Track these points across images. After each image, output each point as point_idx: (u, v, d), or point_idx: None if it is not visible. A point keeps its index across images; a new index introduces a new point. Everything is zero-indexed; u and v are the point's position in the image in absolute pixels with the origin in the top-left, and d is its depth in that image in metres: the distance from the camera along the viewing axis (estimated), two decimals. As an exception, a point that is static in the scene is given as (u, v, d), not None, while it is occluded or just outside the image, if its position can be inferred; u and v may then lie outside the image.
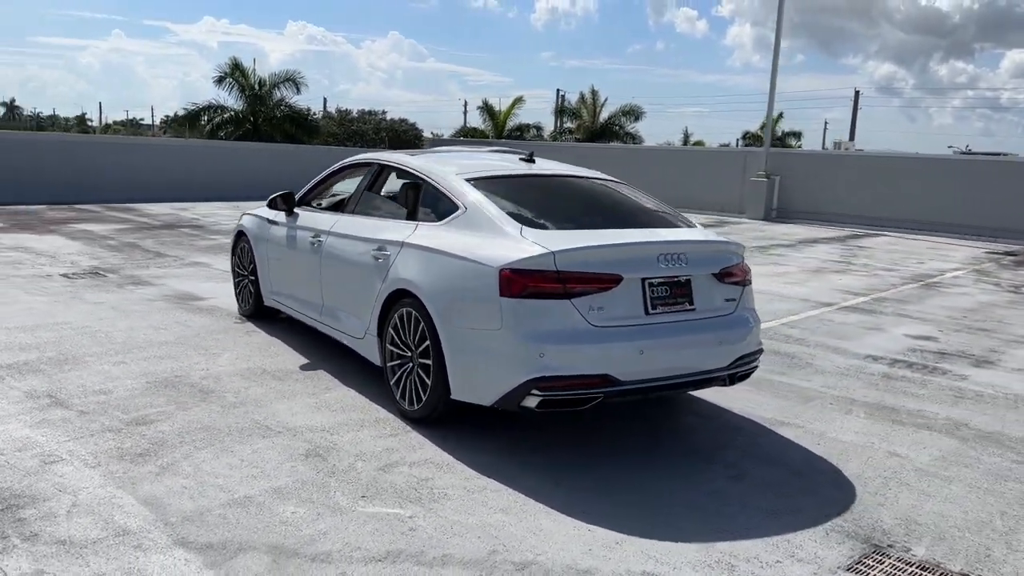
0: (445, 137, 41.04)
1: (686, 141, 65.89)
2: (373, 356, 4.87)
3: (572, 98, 47.80)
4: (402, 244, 4.58)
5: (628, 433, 4.62)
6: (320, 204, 6.15)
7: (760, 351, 4.63)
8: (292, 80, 35.98)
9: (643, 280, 4.07)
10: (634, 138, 44.63)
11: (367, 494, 3.58)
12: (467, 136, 44.83)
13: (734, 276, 4.45)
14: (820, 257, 12.94)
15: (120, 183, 17.26)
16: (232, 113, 35.03)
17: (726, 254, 4.48)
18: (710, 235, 4.64)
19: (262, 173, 18.46)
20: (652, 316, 4.09)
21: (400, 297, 4.51)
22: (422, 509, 3.47)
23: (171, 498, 3.44)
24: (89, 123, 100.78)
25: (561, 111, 49.62)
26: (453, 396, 4.17)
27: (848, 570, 3.22)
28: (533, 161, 5.15)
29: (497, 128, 42.71)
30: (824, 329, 7.53)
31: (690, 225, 4.80)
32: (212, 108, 35.08)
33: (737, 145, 58.80)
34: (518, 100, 43.92)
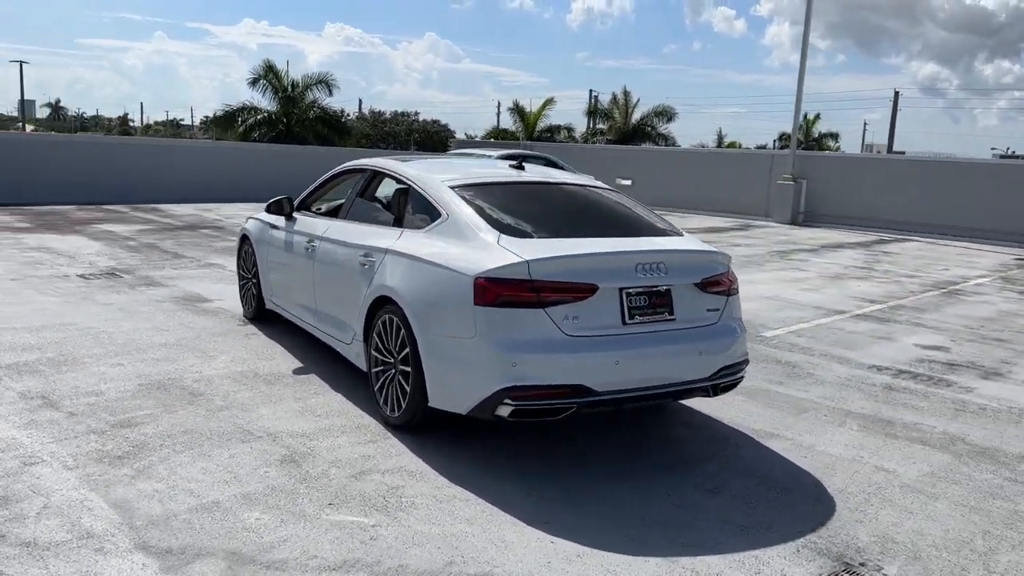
0: (477, 138, 41.21)
1: (720, 143, 65.28)
2: (360, 361, 4.89)
3: (605, 99, 47.65)
4: (386, 251, 4.60)
5: (611, 443, 4.59)
6: (319, 209, 6.19)
7: (745, 361, 4.57)
8: (324, 82, 36.24)
9: (620, 290, 4.04)
10: (667, 139, 44.40)
11: (335, 502, 3.60)
12: (497, 137, 44.96)
13: (718, 286, 4.40)
14: (842, 262, 12.74)
15: (148, 184, 17.57)
16: (265, 114, 35.48)
17: (709, 263, 4.43)
18: (694, 244, 4.59)
19: (288, 175, 18.66)
20: (629, 326, 4.05)
21: (384, 303, 4.53)
22: (387, 518, 3.48)
23: (141, 502, 3.49)
24: (131, 123, 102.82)
25: (593, 112, 49.51)
26: (430, 404, 4.18)
27: (811, 589, 3.16)
28: (523, 168, 5.13)
29: (527, 129, 42.72)
30: (832, 338, 7.41)
31: (677, 234, 4.75)
32: (246, 109, 35.59)
33: (774, 146, 58.15)
34: (548, 101, 43.85)
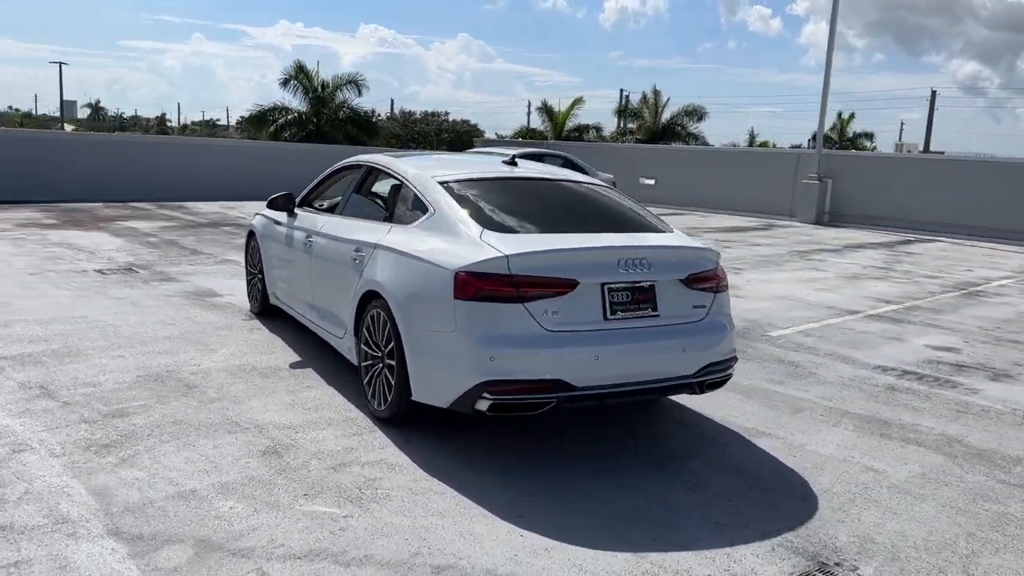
0: (506, 138, 41.27)
1: (751, 142, 64.63)
2: (352, 356, 4.93)
3: (637, 98, 47.44)
4: (375, 246, 4.63)
5: (597, 439, 4.57)
6: (321, 205, 6.25)
7: (733, 359, 4.53)
8: (354, 82, 36.49)
9: (603, 285, 4.03)
10: (697, 139, 44.08)
11: (310, 492, 3.64)
12: (525, 137, 44.96)
13: (704, 282, 4.36)
14: (862, 263, 12.55)
15: (176, 182, 17.85)
16: (296, 114, 35.84)
17: (696, 260, 4.39)
18: (680, 241, 4.56)
19: (315, 173, 18.72)
20: (611, 321, 4.04)
21: (372, 298, 4.56)
22: (359, 509, 3.51)
23: (120, 489, 3.56)
24: (168, 123, 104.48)
25: (622, 111, 49.30)
26: (413, 397, 4.20)
27: (778, 587, 3.13)
28: (516, 165, 5.14)
29: (556, 129, 42.70)
30: (840, 338, 7.30)
31: (667, 231, 4.72)
32: (277, 109, 35.99)
33: (808, 146, 57.44)
34: (577, 101, 43.79)
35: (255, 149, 22.49)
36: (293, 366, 5.57)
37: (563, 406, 3.99)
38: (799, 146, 57.07)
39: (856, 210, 18.50)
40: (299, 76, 35.74)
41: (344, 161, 6.06)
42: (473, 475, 3.96)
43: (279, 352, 5.90)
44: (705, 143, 43.78)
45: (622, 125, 49.71)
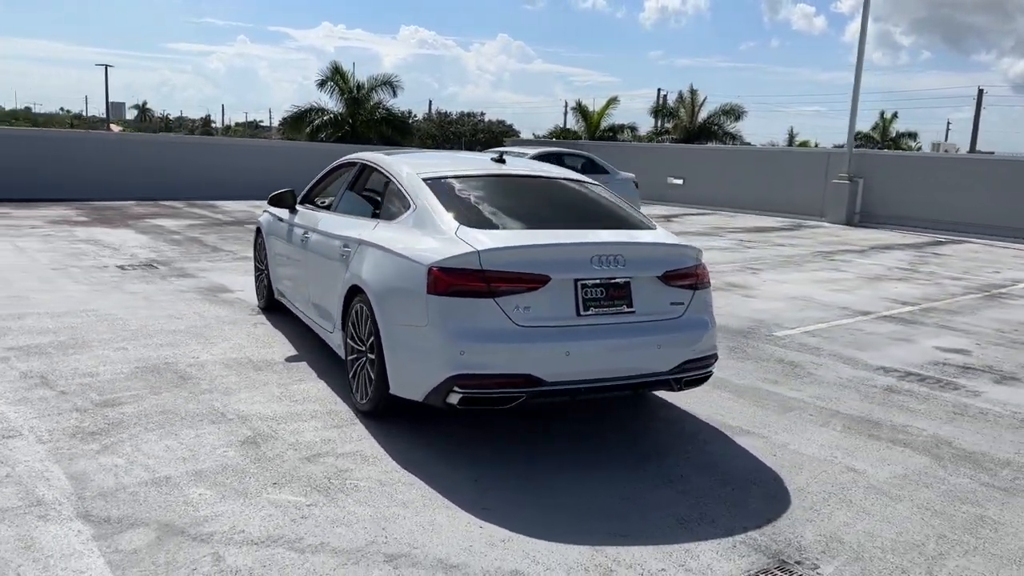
0: (542, 138, 41.23)
1: (791, 141, 63.74)
2: (341, 350, 5.02)
3: (675, 98, 47.08)
4: (360, 241, 4.71)
5: (578, 434, 4.59)
6: (323, 202, 6.36)
7: (714, 356, 4.51)
8: (389, 83, 36.78)
9: (576, 281, 4.05)
10: (735, 138, 43.62)
11: (279, 482, 3.72)
12: (559, 137, 44.94)
13: (683, 279, 4.35)
14: (886, 264, 12.33)
15: (209, 182, 18.21)
16: (331, 115, 36.23)
17: (675, 257, 4.39)
18: (658, 238, 4.55)
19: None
20: (584, 317, 4.06)
21: (356, 293, 4.64)
22: (325, 498, 3.58)
23: (98, 475, 3.68)
24: (213, 124, 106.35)
25: (658, 111, 49.00)
26: (391, 391, 4.26)
27: (729, 583, 3.13)
28: (503, 162, 5.17)
29: (590, 129, 42.59)
30: (847, 339, 7.21)
31: (649, 228, 4.72)
32: (314, 111, 36.44)
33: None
34: (612, 100, 43.57)
35: (288, 149, 22.84)
36: (289, 360, 5.67)
37: (534, 401, 4.02)
38: (841, 146, 56.02)
39: (888, 210, 18.16)
40: (335, 77, 36.16)
41: (341, 159, 6.16)
42: (446, 468, 4.01)
43: (277, 346, 6.02)
44: (744, 143, 43.30)
45: (658, 125, 49.42)
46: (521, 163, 5.45)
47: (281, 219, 6.49)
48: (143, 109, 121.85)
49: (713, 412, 5.05)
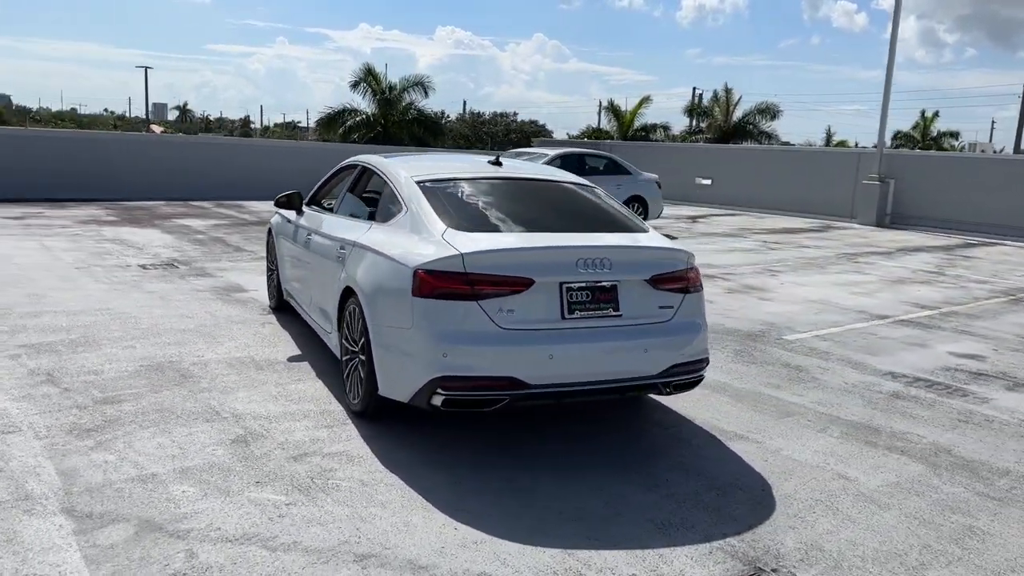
0: (574, 137, 41.14)
1: (828, 141, 62.83)
2: (337, 351, 5.07)
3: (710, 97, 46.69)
4: (354, 244, 4.76)
5: (569, 438, 4.59)
6: (330, 204, 6.43)
7: (704, 360, 4.48)
8: (421, 84, 37.01)
9: (561, 284, 4.05)
10: (770, 137, 43.17)
11: (263, 480, 3.78)
12: (591, 137, 44.81)
13: (672, 283, 4.33)
14: (912, 266, 12.11)
15: (239, 182, 18.49)
16: (364, 116, 36.55)
17: (664, 260, 4.36)
18: (647, 241, 4.53)
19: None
20: (569, 321, 4.06)
21: (350, 294, 4.69)
22: (305, 498, 3.63)
23: (87, 471, 3.77)
24: (251, 125, 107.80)
25: (692, 110, 48.62)
26: (380, 392, 4.30)
27: (697, 590, 3.11)
28: (500, 164, 5.19)
29: (622, 129, 42.41)
30: (859, 343, 7.10)
31: (642, 231, 4.70)
32: (347, 112, 36.83)
33: (893, 145, 55.51)
34: (645, 100, 43.35)
35: (319, 150, 23.07)
36: (291, 360, 5.75)
37: (518, 404, 4.03)
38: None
39: (920, 212, 17.81)
40: (368, 79, 36.47)
41: (345, 161, 6.22)
42: (430, 470, 4.04)
43: (282, 346, 6.10)
44: (784, 143, 42.83)
45: (693, 124, 49.06)
46: (518, 166, 5.45)
47: (289, 220, 6.58)
48: (184, 110, 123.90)
49: (709, 416, 5.02)
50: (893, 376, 6.11)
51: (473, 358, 3.90)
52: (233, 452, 4.08)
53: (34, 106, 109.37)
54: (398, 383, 4.16)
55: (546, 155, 13.82)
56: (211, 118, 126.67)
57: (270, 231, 7.30)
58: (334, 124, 37.32)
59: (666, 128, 47.00)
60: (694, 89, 55.79)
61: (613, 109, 43.77)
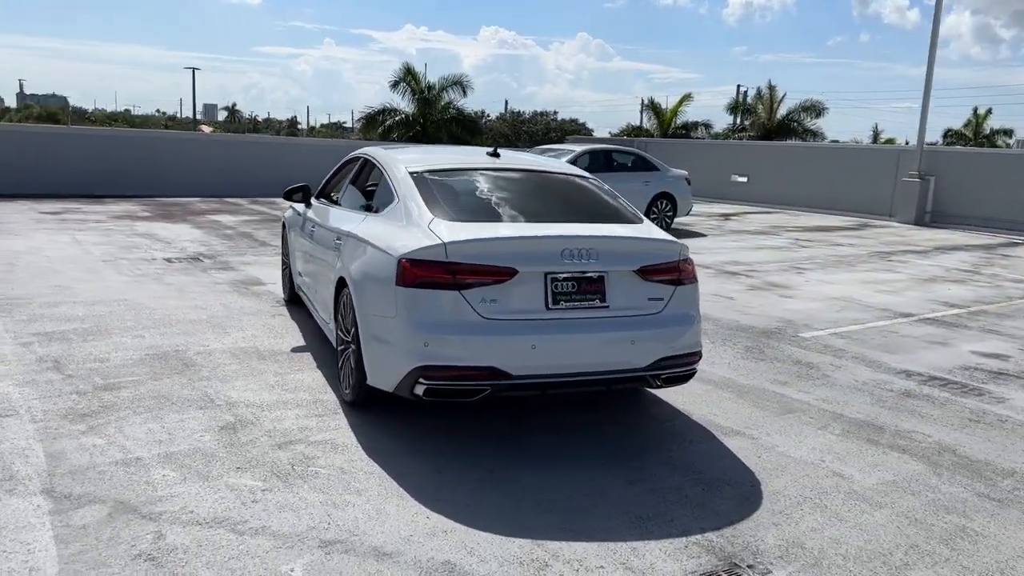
0: (615, 135, 40.90)
1: (875, 139, 61.47)
2: (334, 341, 5.10)
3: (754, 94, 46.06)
4: (348, 234, 4.78)
5: (560, 429, 4.54)
6: (335, 197, 6.47)
7: (696, 354, 4.40)
8: (459, 83, 37.12)
9: (546, 274, 4.01)
10: (815, 135, 42.48)
11: (243, 466, 3.81)
12: (630, 135, 44.46)
13: (662, 274, 4.26)
14: (946, 265, 11.77)
15: (276, 180, 18.68)
16: (403, 116, 36.80)
17: (654, 251, 4.29)
18: (636, 232, 4.46)
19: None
20: (553, 311, 4.02)
21: (344, 284, 4.70)
22: (282, 484, 3.65)
23: (74, 454, 3.84)
24: (298, 126, 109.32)
25: (736, 107, 48.01)
26: (368, 381, 4.31)
27: (663, 584, 3.05)
28: (498, 156, 5.16)
29: (662, 127, 42.05)
30: (877, 341, 6.91)
31: (636, 222, 4.64)
32: (386, 111, 37.12)
33: (944, 142, 54.07)
34: (686, 97, 42.86)
35: (349, 149, 23.32)
36: (294, 350, 5.80)
37: (500, 394, 4.00)
38: (934, 144, 53.68)
39: (961, 210, 17.31)
40: (407, 78, 36.70)
41: (350, 154, 6.25)
42: (413, 459, 4.03)
43: (288, 337, 6.15)
44: (834, 141, 42.04)
45: (736, 122, 48.45)
46: (515, 158, 5.41)
47: (299, 213, 6.64)
48: (232, 111, 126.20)
49: (708, 411, 4.93)
50: (907, 374, 5.94)
51: (454, 348, 3.89)
52: (220, 438, 4.12)
53: (90, 107, 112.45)
54: (383, 372, 4.16)
55: (572, 151, 13.75)
56: (259, 119, 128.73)
57: (284, 224, 7.38)
58: (374, 124, 37.66)
59: (708, 126, 46.49)
60: (738, 87, 55.16)
61: (653, 107, 43.44)
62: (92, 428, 4.16)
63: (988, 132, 56.12)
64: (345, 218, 5.17)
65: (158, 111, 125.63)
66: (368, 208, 5.03)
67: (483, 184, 4.77)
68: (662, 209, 14.14)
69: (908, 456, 4.39)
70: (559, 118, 53.66)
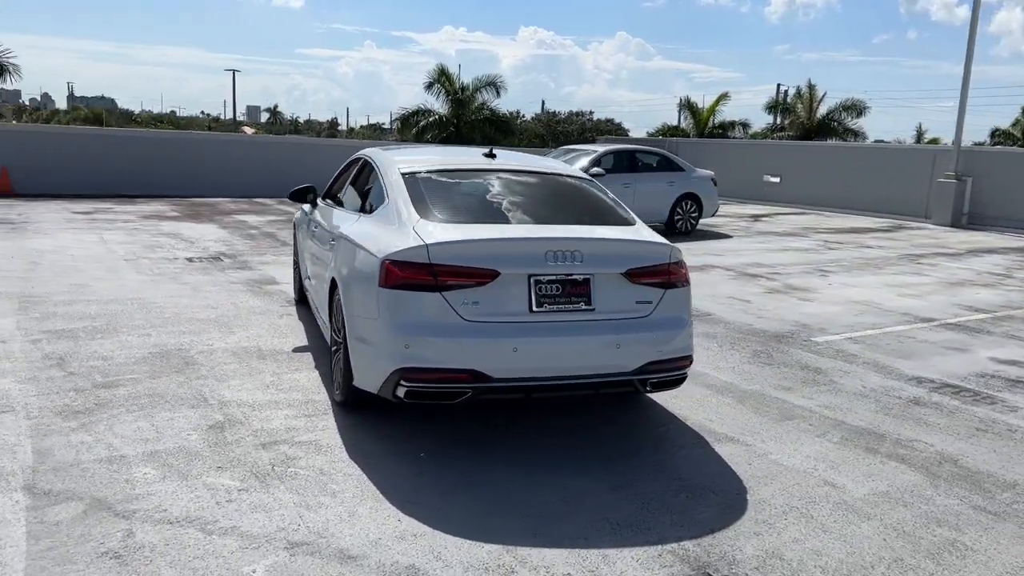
0: (649, 135, 40.62)
1: (919, 139, 60.09)
2: (329, 341, 5.12)
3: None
4: (340, 235, 4.79)
5: (548, 432, 4.50)
6: (339, 198, 6.49)
7: (686, 358, 4.32)
8: (493, 84, 37.16)
9: (530, 276, 3.97)
10: (856, 135, 41.73)
11: (224, 466, 3.83)
12: (665, 134, 44.09)
13: (650, 277, 4.19)
14: (978, 268, 11.44)
15: (309, 180, 18.91)
16: (436, 116, 36.96)
17: (642, 254, 4.23)
18: (624, 234, 4.39)
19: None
20: (536, 314, 3.98)
21: (335, 285, 4.71)
22: (259, 484, 3.66)
23: (61, 450, 3.90)
24: (338, 127, 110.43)
25: (775, 107, 47.34)
26: (354, 383, 4.31)
27: (627, 593, 2.99)
28: (494, 157, 5.13)
29: (698, 126, 41.68)
30: (892, 346, 6.74)
31: (628, 224, 4.57)
32: (420, 112, 37.35)
33: (991, 143, 52.67)
34: (722, 97, 42.38)
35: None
36: (295, 350, 5.83)
37: (482, 397, 3.97)
38: (982, 143, 52.31)
39: (1001, 212, 16.83)
40: (441, 79, 36.84)
41: (353, 155, 6.27)
42: (396, 461, 4.02)
43: (292, 337, 6.19)
44: (878, 140, 41.25)
45: (780, 121, 47.79)
46: (511, 158, 5.37)
47: (307, 214, 6.68)
48: (274, 112, 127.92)
49: (705, 417, 4.84)
50: (918, 381, 5.77)
51: (435, 350, 3.87)
52: (206, 437, 4.15)
53: (137, 109, 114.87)
54: (368, 374, 4.16)
55: (595, 151, 13.65)
56: (300, 120, 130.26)
57: (295, 224, 7.44)
58: (408, 125, 37.91)
59: (745, 125, 45.96)
60: (778, 86, 54.29)
61: (689, 106, 43.07)
62: (83, 425, 4.23)
63: (1035, 131, 54.45)
64: (341, 219, 5.19)
65: (202, 113, 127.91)
66: (363, 209, 5.03)
67: (475, 185, 4.74)
68: (687, 210, 13.98)
69: (906, 466, 4.26)
70: (594, 118, 53.44)
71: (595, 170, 12.99)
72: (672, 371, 4.25)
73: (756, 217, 18.26)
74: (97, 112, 79.83)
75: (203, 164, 18.18)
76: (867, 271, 10.80)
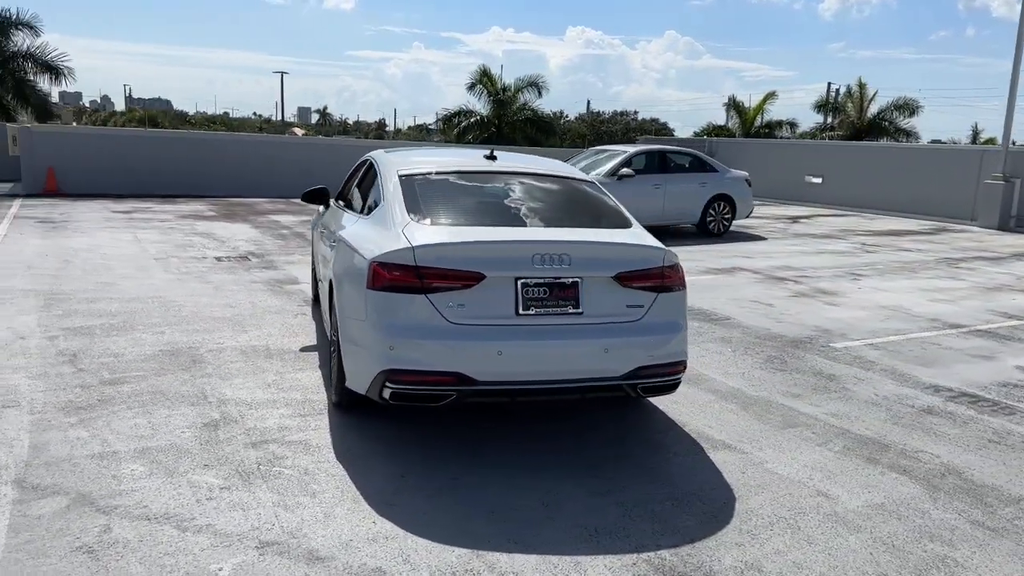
0: (696, 135, 40.16)
1: (975, 139, 58.43)
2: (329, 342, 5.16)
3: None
4: (339, 238, 4.82)
5: (542, 437, 4.46)
6: (348, 200, 6.54)
7: (679, 363, 4.25)
8: (535, 84, 37.14)
9: (516, 279, 3.95)
10: (908, 135, 40.74)
11: (211, 464, 3.88)
12: (711, 134, 43.56)
13: (641, 281, 4.13)
14: (1020, 273, 11.05)
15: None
16: (478, 117, 37.08)
17: (633, 257, 4.17)
18: (615, 237, 4.33)
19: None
20: (523, 317, 3.95)
21: (332, 287, 4.75)
22: (242, 483, 3.70)
23: (57, 445, 3.99)
24: (386, 128, 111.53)
25: (824, 105, 46.43)
26: (346, 384, 4.34)
27: (592, 602, 2.95)
28: (495, 159, 5.11)
29: (744, 126, 41.06)
30: (914, 353, 6.54)
31: (625, 227, 4.51)
32: (462, 113, 37.53)
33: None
34: (769, 96, 41.68)
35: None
36: (303, 350, 5.89)
37: (467, 400, 3.96)
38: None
39: (1053, 214, 16.25)
40: (483, 80, 36.93)
41: (362, 157, 6.31)
42: (381, 462, 4.03)
43: (302, 337, 6.26)
44: (935, 141, 40.21)
45: (829, 120, 46.87)
46: (511, 160, 5.34)
47: (320, 215, 6.75)
48: (323, 114, 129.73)
49: (704, 423, 4.76)
50: (935, 390, 5.60)
51: (420, 352, 3.87)
52: (198, 435, 4.22)
53: (191, 111, 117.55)
54: (357, 375, 4.17)
55: (625, 152, 13.53)
56: (349, 121, 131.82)
57: (312, 226, 7.52)
58: (451, 125, 38.09)
59: (793, 125, 45.16)
60: (829, 84, 53.25)
61: (735, 106, 42.48)
62: (82, 421, 4.32)
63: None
64: (343, 220, 5.23)
65: (254, 114, 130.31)
66: (364, 211, 5.06)
67: (470, 187, 4.73)
68: (720, 211, 13.78)
69: (907, 477, 4.13)
70: (639, 118, 53.15)
71: (625, 171, 12.89)
72: (664, 376, 4.18)
73: (795, 219, 17.92)
74: (152, 113, 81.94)
75: (244, 165, 18.51)
76: (901, 275, 10.51)
